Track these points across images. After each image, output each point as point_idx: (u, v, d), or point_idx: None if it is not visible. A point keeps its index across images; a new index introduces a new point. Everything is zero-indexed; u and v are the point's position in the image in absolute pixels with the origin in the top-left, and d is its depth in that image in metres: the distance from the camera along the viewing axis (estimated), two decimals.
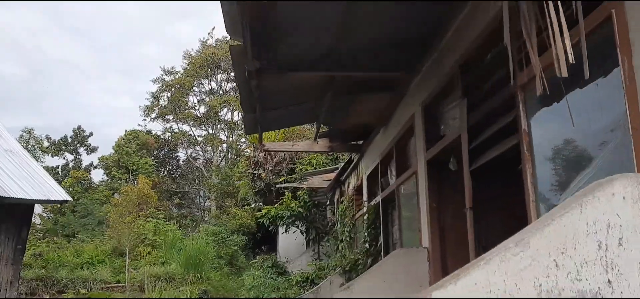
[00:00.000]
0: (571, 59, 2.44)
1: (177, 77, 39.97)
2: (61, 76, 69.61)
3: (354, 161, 10.94)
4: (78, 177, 33.95)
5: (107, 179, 36.23)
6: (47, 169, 26.99)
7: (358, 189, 11.00)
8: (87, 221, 28.77)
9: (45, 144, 39.17)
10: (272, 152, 16.07)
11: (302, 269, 15.54)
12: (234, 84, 41.66)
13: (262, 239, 28.15)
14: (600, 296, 1.92)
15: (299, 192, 14.57)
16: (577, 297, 1.94)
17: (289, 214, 14.21)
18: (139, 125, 42.31)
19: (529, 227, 2.16)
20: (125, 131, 38.90)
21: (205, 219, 35.79)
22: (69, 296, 17.01)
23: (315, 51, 5.95)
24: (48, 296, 15.98)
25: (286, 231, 15.57)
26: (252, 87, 6.31)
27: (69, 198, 15.69)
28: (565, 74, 2.45)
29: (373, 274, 5.89)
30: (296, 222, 14.71)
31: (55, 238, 25.60)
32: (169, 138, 40.84)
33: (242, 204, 31.73)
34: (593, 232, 1.94)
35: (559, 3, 2.54)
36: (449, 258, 5.82)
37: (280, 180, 15.47)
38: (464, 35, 4.90)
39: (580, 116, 3.20)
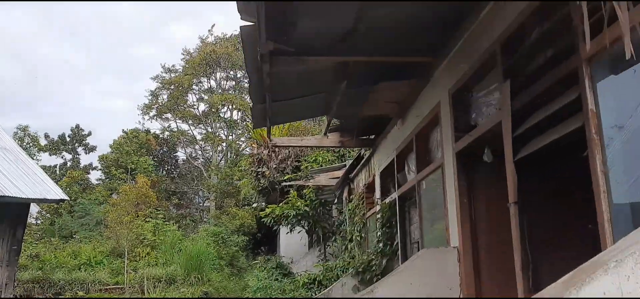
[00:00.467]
0: None
1: (176, 75, 39.41)
2: (56, 78, 69.09)
3: (365, 157, 10.43)
4: (75, 177, 33.38)
5: (105, 179, 35.68)
6: (44, 168, 26.41)
7: (369, 187, 10.49)
8: (84, 222, 28.22)
9: (43, 142, 38.56)
10: (276, 150, 15.56)
11: (307, 270, 15.03)
12: (234, 83, 41.19)
13: (263, 240, 27.66)
14: None
15: (304, 191, 14.05)
16: None
17: (294, 213, 13.68)
18: (138, 123, 41.82)
19: None
20: (123, 130, 38.36)
21: (204, 219, 35.26)
22: (67, 298, 16.48)
23: (333, 33, 5.44)
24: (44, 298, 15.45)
25: (291, 231, 15.04)
26: (264, 74, 5.80)
27: (66, 197, 15.17)
28: None
29: (399, 276, 5.38)
30: (301, 222, 14.19)
31: (52, 239, 25.08)
32: (168, 137, 40.29)
33: (242, 204, 31.24)
34: None
35: None
36: (482, 258, 5.32)
37: (285, 178, 14.94)
38: (504, 12, 4.40)
39: None
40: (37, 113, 67.09)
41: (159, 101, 40.13)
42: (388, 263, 8.60)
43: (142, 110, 40.29)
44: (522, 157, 4.28)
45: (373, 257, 8.88)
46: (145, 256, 21.00)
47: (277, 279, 13.65)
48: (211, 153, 40.60)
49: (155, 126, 41.22)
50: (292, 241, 19.88)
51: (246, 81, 40.56)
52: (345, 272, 11.17)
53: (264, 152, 15.87)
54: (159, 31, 67.81)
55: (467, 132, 5.44)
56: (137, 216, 23.80)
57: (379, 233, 8.87)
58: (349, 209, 11.69)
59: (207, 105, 39.72)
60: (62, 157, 39.51)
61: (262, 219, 15.20)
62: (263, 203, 19.44)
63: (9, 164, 14.35)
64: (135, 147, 35.75)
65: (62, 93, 68.43)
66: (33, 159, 26.04)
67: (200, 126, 40.78)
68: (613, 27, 2.90)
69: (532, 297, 1.71)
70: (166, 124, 40.65)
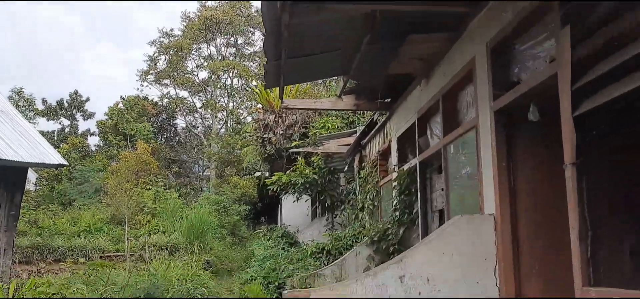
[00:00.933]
0: None
1: (175, 39, 38.59)
2: (54, 45, 68.02)
3: (380, 122, 9.95)
4: (76, 144, 32.88)
5: (104, 146, 35.21)
6: (42, 134, 25.99)
7: (384, 153, 10.04)
8: (83, 189, 27.88)
9: (40, 107, 37.94)
10: (283, 115, 15.06)
11: (313, 239, 14.69)
12: (235, 49, 40.41)
13: (263, 210, 27.40)
14: None
15: (312, 158, 13.58)
16: None
17: (302, 181, 13.24)
18: (136, 89, 41.18)
19: None
20: (121, 97, 37.74)
21: (203, 188, 34.94)
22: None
23: None
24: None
25: (297, 199, 14.63)
26: (283, 25, 5.29)
27: (65, 162, 14.68)
28: None
29: (429, 245, 4.96)
30: (309, 190, 13.76)
31: (51, 206, 24.76)
32: (167, 104, 39.68)
33: (244, 173, 30.87)
34: None
35: None
36: (521, 226, 4.88)
37: (292, 145, 14.46)
38: None
39: None
40: (33, 80, 66.31)
41: (157, 67, 39.40)
42: (405, 232, 8.20)
43: (140, 76, 39.63)
44: (580, 115, 3.81)
45: (389, 226, 8.47)
46: (146, 224, 20.72)
47: (283, 249, 13.29)
48: (211, 121, 40.06)
49: (154, 93, 40.62)
50: (294, 211, 19.56)
51: (247, 47, 39.86)
52: (356, 241, 10.83)
53: (270, 117, 15.36)
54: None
55: (506, 90, 4.96)
56: (137, 184, 23.41)
57: (395, 201, 8.45)
58: (361, 177, 11.26)
59: (207, 71, 39.01)
60: (60, 123, 38.96)
61: (268, 187, 14.78)
62: (267, 172, 19.04)
63: (5, 127, 13.85)
64: (134, 115, 35.18)
65: (59, 59, 67.52)
66: (30, 123, 25.50)
67: (200, 94, 40.15)
68: None
69: None
70: (165, 91, 40.02)
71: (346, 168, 12.63)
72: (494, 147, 5.02)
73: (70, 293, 9.73)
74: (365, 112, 14.56)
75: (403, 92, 8.35)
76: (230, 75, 38.75)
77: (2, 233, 13.40)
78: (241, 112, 39.63)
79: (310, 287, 8.40)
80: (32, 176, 28.63)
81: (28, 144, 13.90)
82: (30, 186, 27.91)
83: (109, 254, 17.53)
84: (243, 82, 39.04)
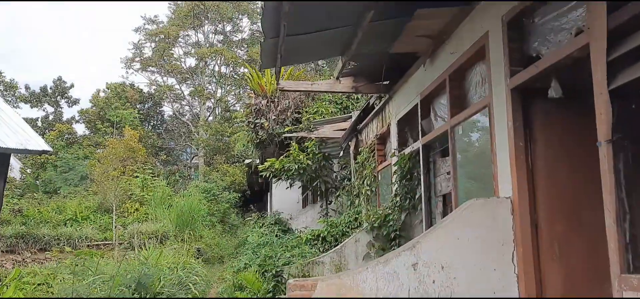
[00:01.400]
0: None
1: (161, 26, 37.82)
2: (36, 30, 66.59)
3: (379, 105, 9.64)
4: (62, 130, 32.12)
5: (89, 133, 34.53)
6: (25, 121, 25.32)
7: (382, 138, 9.75)
8: (68, 177, 27.27)
9: (23, 92, 37.04)
10: (276, 100, 14.68)
11: (306, 226, 14.41)
12: (222, 36, 39.73)
13: (252, 198, 27.08)
14: None
15: (306, 144, 13.25)
16: None
17: (297, 167, 12.91)
18: (121, 77, 40.42)
19: None
20: (107, 83, 37.00)
21: (191, 176, 34.47)
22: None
23: None
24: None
25: (291, 186, 14.31)
26: None
27: (49, 148, 14.14)
28: None
29: (444, 229, 4.67)
30: (302, 177, 13.43)
31: (35, 194, 24.17)
32: (154, 92, 38.98)
33: (233, 161, 30.47)
34: None
35: None
36: (541, 209, 4.61)
37: (285, 130, 14.10)
38: None
39: None
40: (14, 66, 64.92)
41: (143, 54, 38.65)
42: (407, 218, 7.95)
43: (125, 63, 38.87)
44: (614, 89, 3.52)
45: (389, 212, 8.22)
46: (134, 212, 20.31)
47: (277, 236, 12.98)
48: (199, 109, 39.48)
49: (139, 80, 39.90)
50: (285, 199, 19.23)
51: (235, 34, 39.25)
52: (352, 228, 10.57)
53: (262, 102, 14.96)
54: None
55: (523, 66, 4.67)
56: (124, 172, 22.94)
57: (396, 186, 8.18)
58: (357, 163, 10.96)
59: (195, 58, 38.34)
60: (44, 110, 38.13)
61: (260, 173, 14.43)
62: (257, 159, 18.68)
63: None
64: (120, 103, 34.48)
65: (42, 46, 66.13)
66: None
67: (187, 81, 39.51)
68: None
69: None
70: (152, 78, 39.30)
71: (341, 153, 12.33)
72: (511, 126, 4.74)
73: (56, 284, 9.34)
74: (360, 97, 14.26)
75: (404, 74, 8.05)
76: (218, 62, 38.13)
77: None
78: (229, 100, 39.08)
79: (308, 275, 8.12)
80: (16, 164, 27.95)
81: (9, 130, 13.36)
82: (15, 174, 27.25)
83: (97, 243, 17.11)
84: (231, 69, 38.45)
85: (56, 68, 72.67)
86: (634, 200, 3.41)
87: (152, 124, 39.14)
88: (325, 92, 11.86)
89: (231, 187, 26.31)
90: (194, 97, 39.07)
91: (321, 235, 11.10)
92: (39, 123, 36.28)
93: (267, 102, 14.87)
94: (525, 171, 4.67)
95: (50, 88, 38.15)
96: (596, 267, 4.55)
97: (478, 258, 4.61)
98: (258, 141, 15.03)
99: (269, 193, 23.53)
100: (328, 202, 13.77)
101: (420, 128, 7.40)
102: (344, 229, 10.81)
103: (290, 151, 13.33)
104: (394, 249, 7.89)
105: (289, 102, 14.83)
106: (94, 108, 34.78)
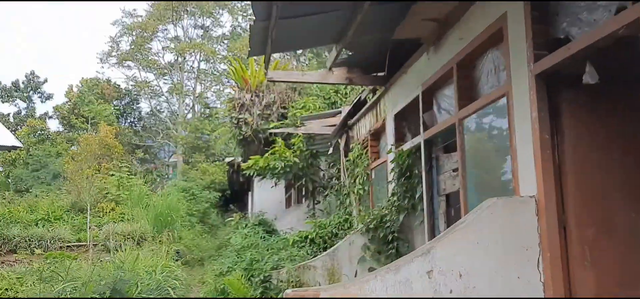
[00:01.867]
0: None
1: (139, 20, 36.80)
2: (8, 23, 64.66)
3: (373, 99, 9.12)
4: (35, 126, 30.91)
5: (63, 130, 33.36)
6: None
7: (376, 134, 9.23)
8: (40, 175, 26.21)
9: None
10: (260, 94, 14.07)
11: (292, 227, 13.82)
12: (202, 31, 38.86)
13: (233, 197, 26.42)
14: None
15: (292, 140, 12.66)
16: None
17: (282, 165, 12.32)
18: (97, 72, 39.28)
19: None
20: (82, 78, 35.85)
21: (169, 175, 33.57)
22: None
23: None
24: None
25: (276, 184, 13.71)
26: None
27: (19, 144, 13.33)
28: None
29: (461, 232, 4.15)
30: (289, 175, 12.85)
31: (6, 193, 23.11)
32: (131, 87, 37.91)
33: (213, 160, 29.69)
34: None
35: None
36: (570, 210, 4.13)
37: (271, 126, 13.48)
38: None
39: None
40: None
41: (120, 48, 37.58)
42: (406, 219, 7.43)
43: (101, 58, 37.75)
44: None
45: (386, 212, 7.69)
46: (110, 212, 19.46)
47: (263, 237, 12.37)
48: (177, 106, 38.55)
49: (116, 75, 38.79)
50: (268, 198, 18.64)
51: (215, 28, 38.41)
52: (343, 229, 10.05)
53: (246, 96, 14.33)
54: None
55: (548, 50, 4.19)
56: (99, 171, 22.04)
57: (393, 185, 7.66)
58: (348, 160, 10.42)
59: (173, 53, 37.39)
60: (15, 106, 36.78)
61: (243, 172, 13.79)
62: (240, 157, 18.03)
63: None
64: (94, 98, 33.38)
65: (14, 40, 64.17)
66: None
67: (165, 77, 38.54)
68: None
69: None
70: (129, 73, 38.22)
71: (330, 151, 11.79)
72: (535, 118, 4.24)
73: (23, 290, 8.61)
74: (349, 92, 13.73)
75: (402, 65, 7.54)
76: (198, 58, 37.28)
77: None
78: (209, 96, 38.25)
79: (299, 280, 7.56)
80: None
81: None
82: None
83: (70, 244, 16.25)
84: (211, 65, 37.64)
85: (28, 63, 70.58)
86: None
87: (129, 121, 38.07)
88: (317, 83, 11.32)
89: (211, 187, 25.58)
90: (172, 94, 38.13)
91: (309, 237, 10.55)
92: (11, 119, 34.97)
93: (252, 96, 14.25)
94: (552, 167, 4.19)
95: (23, 83, 36.83)
96: (631, 273, 4.11)
97: (500, 264, 4.11)
98: (241, 137, 14.39)
99: (250, 193, 22.91)
100: (315, 202, 13.21)
101: (421, 122, 6.88)
102: (334, 231, 10.29)
103: (276, 148, 12.73)
104: (391, 252, 7.40)
105: (274, 97, 14.23)
106: (68, 103, 33.62)
